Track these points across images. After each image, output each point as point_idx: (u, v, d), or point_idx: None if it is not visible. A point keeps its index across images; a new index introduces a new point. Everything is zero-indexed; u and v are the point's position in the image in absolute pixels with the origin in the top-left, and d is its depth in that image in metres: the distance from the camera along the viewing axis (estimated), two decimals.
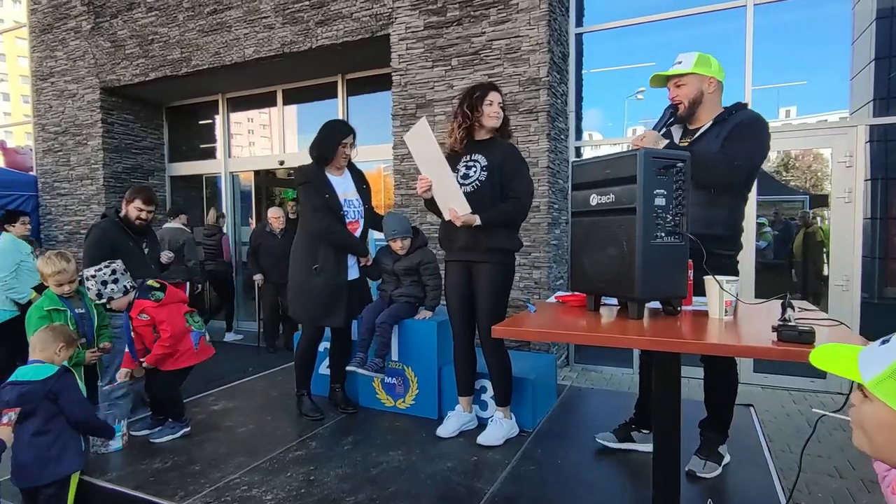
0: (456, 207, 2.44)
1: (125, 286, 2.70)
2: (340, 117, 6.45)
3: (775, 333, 1.23)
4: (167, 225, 5.78)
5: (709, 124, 2.16)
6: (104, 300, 2.67)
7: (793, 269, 5.40)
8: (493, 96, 2.60)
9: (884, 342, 0.78)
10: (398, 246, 3.02)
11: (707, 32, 5.05)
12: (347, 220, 3.01)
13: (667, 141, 2.16)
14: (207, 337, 2.95)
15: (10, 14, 9.48)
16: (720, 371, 2.26)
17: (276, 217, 5.73)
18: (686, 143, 2.19)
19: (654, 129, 2.16)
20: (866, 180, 4.57)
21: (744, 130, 2.05)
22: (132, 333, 2.74)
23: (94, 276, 2.64)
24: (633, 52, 5.32)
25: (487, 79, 4.73)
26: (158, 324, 2.71)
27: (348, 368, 3.00)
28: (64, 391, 2.12)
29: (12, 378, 2.10)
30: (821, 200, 5.21)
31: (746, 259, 4.77)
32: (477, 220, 2.45)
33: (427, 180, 2.53)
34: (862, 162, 4.44)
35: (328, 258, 2.94)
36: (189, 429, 2.87)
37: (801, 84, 5.06)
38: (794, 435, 3.49)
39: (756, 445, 2.63)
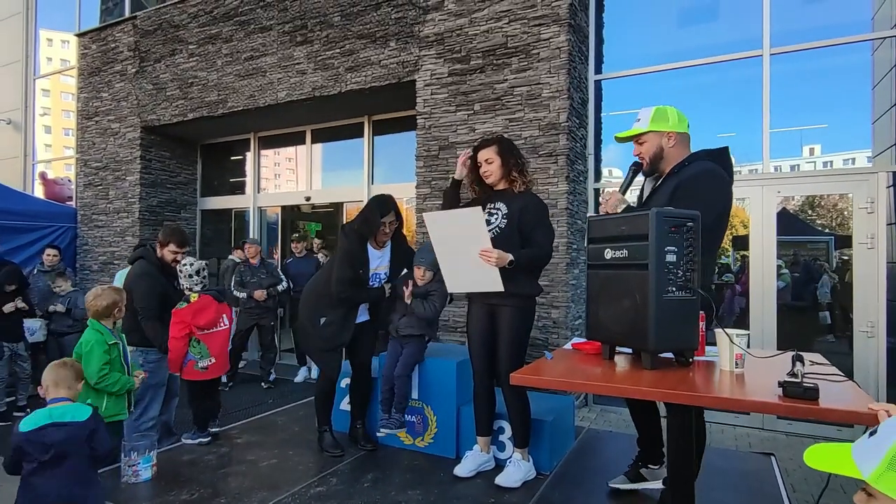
0: (492, 285, 2.52)
1: (190, 286, 3.32)
2: (366, 157, 6.69)
3: (781, 389, 1.29)
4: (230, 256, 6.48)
5: (664, 177, 2.20)
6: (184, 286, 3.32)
7: (818, 311, 5.32)
8: (479, 156, 2.78)
9: (871, 433, 0.79)
10: (419, 274, 3.11)
11: (724, 79, 5.18)
12: None
13: (625, 205, 2.17)
14: (199, 364, 3.31)
15: (57, 53, 10.15)
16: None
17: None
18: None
19: (620, 188, 2.20)
20: (889, 225, 4.55)
21: (687, 190, 2.02)
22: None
23: (190, 266, 3.33)
24: (653, 95, 5.46)
25: (508, 123, 4.91)
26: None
27: (379, 434, 3.14)
28: (100, 429, 2.17)
29: (52, 421, 2.08)
30: (846, 241, 5.17)
31: (767, 303, 4.76)
32: (510, 257, 2.51)
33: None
34: (884, 207, 4.45)
35: (336, 315, 3.09)
36: (208, 440, 3.40)
37: (823, 127, 5.11)
38: (818, 485, 3.42)
39: (776, 495, 2.61)
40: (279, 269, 6.11)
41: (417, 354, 3.15)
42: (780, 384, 1.29)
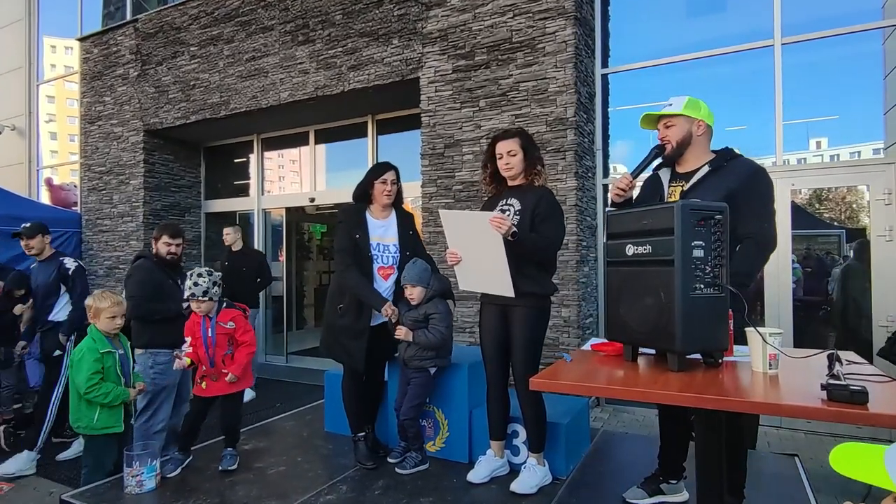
0: (503, 289, 2.45)
1: (219, 295, 3.00)
2: (370, 156, 6.62)
3: (825, 392, 1.20)
4: None
5: (706, 170, 2.11)
6: (206, 297, 2.89)
7: (831, 307, 5.21)
8: (500, 147, 2.66)
9: None
10: (408, 293, 2.89)
11: (735, 70, 5.07)
12: (378, 265, 2.95)
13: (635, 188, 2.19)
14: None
15: (61, 59, 10.15)
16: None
17: None
18: (678, 189, 2.16)
19: (633, 170, 2.17)
20: None
21: (754, 189, 2.02)
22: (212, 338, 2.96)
23: (210, 275, 2.94)
24: (662, 88, 5.35)
25: (514, 119, 4.82)
26: (241, 333, 2.98)
27: (402, 472, 2.93)
28: None
29: None
30: (857, 235, 5.06)
31: (783, 299, 4.65)
32: (513, 228, 2.39)
33: (457, 255, 2.60)
34: None
35: (352, 301, 2.92)
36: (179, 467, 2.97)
37: (834, 118, 5.00)
38: (842, 485, 3.31)
39: (802, 498, 2.51)
40: None
41: (423, 393, 2.96)
42: (824, 387, 1.20)
